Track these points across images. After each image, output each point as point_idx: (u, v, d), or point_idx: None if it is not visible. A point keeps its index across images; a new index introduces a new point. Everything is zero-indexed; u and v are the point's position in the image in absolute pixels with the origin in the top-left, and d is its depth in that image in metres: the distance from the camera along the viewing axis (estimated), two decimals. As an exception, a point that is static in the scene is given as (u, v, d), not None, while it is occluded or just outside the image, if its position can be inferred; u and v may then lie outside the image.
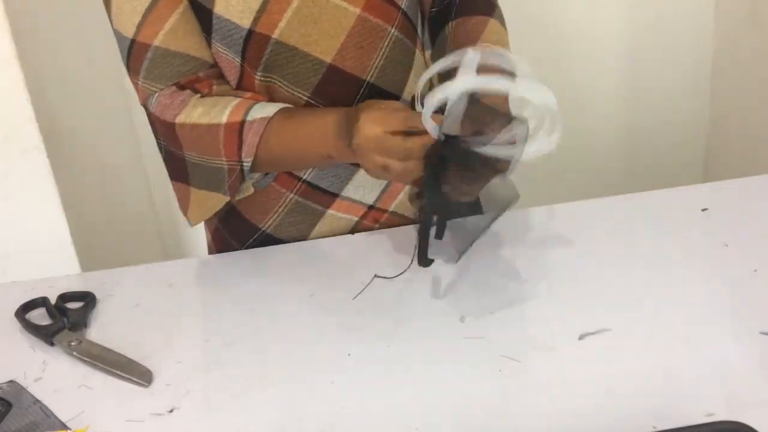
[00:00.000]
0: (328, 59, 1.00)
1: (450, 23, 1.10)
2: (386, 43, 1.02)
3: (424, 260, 0.91)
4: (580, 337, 0.84)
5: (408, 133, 0.86)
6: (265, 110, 0.98)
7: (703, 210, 1.06)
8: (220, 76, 1.04)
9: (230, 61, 1.01)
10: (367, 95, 1.03)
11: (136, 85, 1.02)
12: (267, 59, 0.99)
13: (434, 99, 0.83)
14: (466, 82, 0.83)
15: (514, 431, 0.74)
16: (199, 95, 1.00)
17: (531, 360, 0.82)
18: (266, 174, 1.06)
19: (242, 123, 0.98)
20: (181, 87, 1.00)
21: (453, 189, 0.87)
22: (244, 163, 0.99)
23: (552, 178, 2.07)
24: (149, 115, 1.02)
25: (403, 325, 0.90)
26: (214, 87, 1.01)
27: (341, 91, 1.02)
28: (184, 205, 1.07)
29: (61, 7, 1.58)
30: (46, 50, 1.52)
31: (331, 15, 0.98)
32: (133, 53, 0.99)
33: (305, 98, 1.02)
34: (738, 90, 1.95)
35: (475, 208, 1.01)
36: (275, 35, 0.97)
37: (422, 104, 0.87)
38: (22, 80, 1.42)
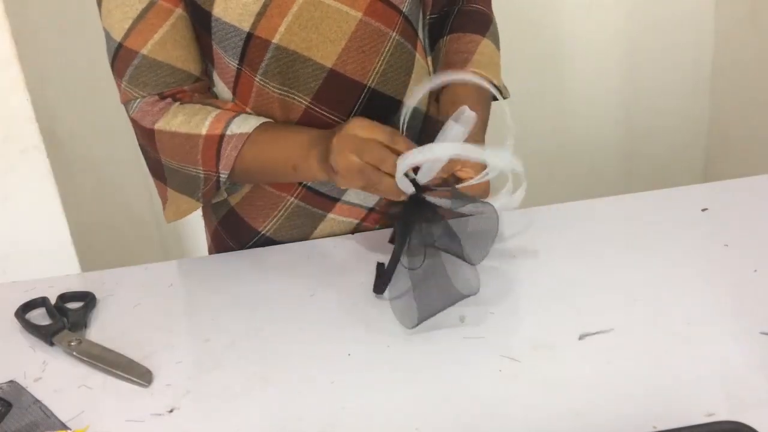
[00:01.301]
0: (328, 64, 1.00)
1: (444, 38, 1.10)
2: (387, 48, 1.02)
3: (380, 288, 0.94)
4: (580, 337, 0.84)
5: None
6: (245, 125, 0.99)
7: (703, 210, 1.06)
8: (206, 90, 1.04)
9: (227, 65, 1.01)
10: (367, 100, 1.03)
11: (119, 85, 1.03)
12: (267, 64, 0.99)
13: (410, 160, 0.87)
14: (445, 149, 0.87)
15: (514, 431, 0.74)
16: (178, 103, 1.01)
17: (531, 360, 0.82)
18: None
19: (222, 137, 0.99)
20: (163, 97, 1.01)
21: (421, 239, 0.90)
22: (221, 175, 1.00)
23: (552, 178, 2.07)
24: (129, 117, 1.04)
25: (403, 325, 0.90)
26: (196, 98, 1.02)
27: (342, 96, 1.02)
28: (162, 202, 1.08)
29: (61, 7, 1.58)
30: (46, 50, 1.52)
31: (332, 19, 0.98)
32: (120, 56, 1.00)
33: (305, 103, 1.01)
34: (738, 90, 1.95)
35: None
36: (275, 40, 0.97)
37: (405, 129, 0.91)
38: (22, 80, 1.42)
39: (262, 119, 1.01)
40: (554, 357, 0.82)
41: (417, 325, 0.88)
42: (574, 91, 2.03)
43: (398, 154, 0.87)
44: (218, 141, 0.99)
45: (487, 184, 0.92)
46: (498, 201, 0.91)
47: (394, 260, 0.92)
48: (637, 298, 0.90)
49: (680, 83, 2.04)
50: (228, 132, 0.99)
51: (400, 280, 0.92)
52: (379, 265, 0.98)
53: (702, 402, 0.74)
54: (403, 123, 0.92)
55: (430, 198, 0.90)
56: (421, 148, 0.86)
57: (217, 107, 1.01)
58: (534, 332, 0.87)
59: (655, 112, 2.07)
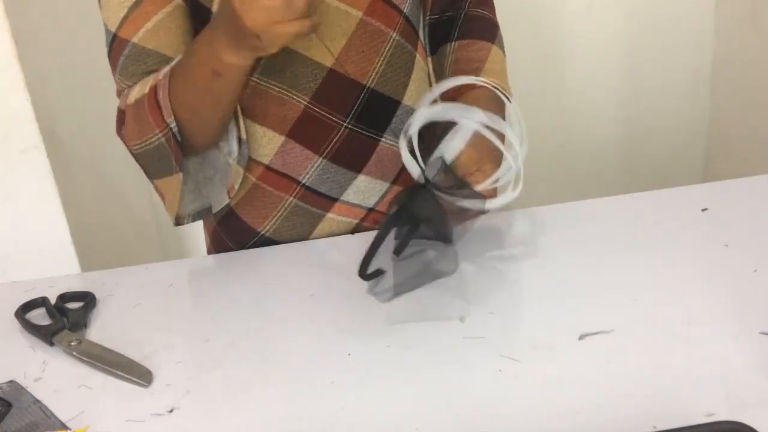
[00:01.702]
0: (328, 63, 1.00)
1: (452, 43, 1.09)
2: (387, 48, 1.02)
3: (364, 273, 0.94)
4: (580, 337, 0.84)
5: None
6: (167, 66, 0.95)
7: (703, 210, 1.06)
8: None
9: None
10: (366, 100, 1.02)
11: (114, 78, 1.01)
12: (265, 62, 0.98)
13: (422, 115, 0.89)
14: (459, 111, 0.90)
15: (514, 431, 0.74)
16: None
17: (531, 360, 0.82)
18: (240, 147, 1.02)
19: (155, 87, 0.95)
20: None
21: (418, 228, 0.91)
22: (171, 126, 0.94)
23: (552, 178, 2.07)
24: (117, 108, 1.01)
25: (403, 325, 0.90)
26: None
27: (341, 95, 1.02)
28: (163, 202, 1.05)
29: (61, 7, 1.58)
30: (46, 50, 1.52)
31: (332, 18, 0.98)
32: (114, 48, 0.98)
33: (304, 103, 1.01)
34: (738, 90, 1.96)
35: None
36: None
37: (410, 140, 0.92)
38: (22, 80, 1.42)
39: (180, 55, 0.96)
40: (554, 357, 0.82)
41: (391, 299, 0.90)
42: (574, 91, 2.03)
43: None
44: (154, 93, 0.95)
45: (495, 189, 0.93)
46: (500, 200, 0.92)
47: (378, 242, 0.92)
48: (637, 298, 0.90)
49: (680, 83, 2.04)
50: (160, 77, 0.95)
51: (379, 256, 0.93)
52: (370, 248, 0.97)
53: (702, 402, 0.74)
54: (413, 130, 0.92)
55: (434, 189, 0.90)
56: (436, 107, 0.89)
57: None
58: (534, 332, 0.87)
59: (655, 112, 2.07)
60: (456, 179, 0.90)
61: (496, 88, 0.99)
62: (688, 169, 2.13)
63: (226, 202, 1.06)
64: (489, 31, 1.09)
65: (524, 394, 0.78)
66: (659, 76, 2.03)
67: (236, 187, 1.04)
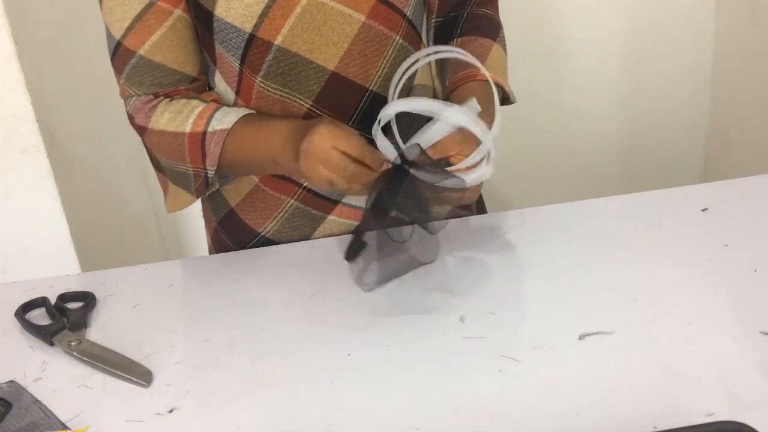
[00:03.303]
0: (331, 67, 1.00)
1: (455, 40, 1.09)
2: (390, 51, 1.02)
3: (351, 255, 0.96)
4: (580, 337, 0.84)
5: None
6: (225, 119, 0.99)
7: (703, 210, 1.06)
8: (202, 90, 1.04)
9: (230, 65, 1.00)
10: (369, 104, 1.02)
11: (118, 81, 1.03)
12: (268, 65, 0.99)
13: (391, 110, 0.91)
14: (428, 104, 0.92)
15: (514, 431, 0.74)
16: (168, 99, 1.02)
17: (531, 360, 0.82)
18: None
19: (204, 134, 0.99)
20: (157, 96, 1.02)
21: (398, 212, 0.92)
22: (209, 171, 1.01)
23: (552, 178, 2.07)
24: (126, 111, 1.05)
25: (403, 325, 0.90)
26: (189, 96, 1.03)
27: (343, 99, 1.02)
28: (164, 193, 1.09)
29: (61, 7, 1.58)
30: (46, 50, 1.52)
31: (335, 22, 0.98)
32: (119, 54, 1.00)
33: (307, 106, 1.01)
34: (738, 90, 1.95)
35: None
36: (277, 41, 0.97)
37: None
38: (22, 80, 1.42)
39: (243, 111, 1.01)
40: (554, 357, 0.82)
41: (373, 288, 0.91)
42: (574, 91, 2.03)
43: (368, 167, 0.89)
44: (201, 138, 0.99)
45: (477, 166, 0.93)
46: (475, 173, 0.92)
47: (364, 227, 0.94)
48: (637, 298, 0.90)
49: (680, 83, 2.04)
50: (210, 129, 0.99)
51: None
52: (355, 234, 0.99)
53: (702, 402, 0.74)
54: (393, 93, 0.95)
55: (414, 171, 0.90)
56: (406, 99, 0.91)
57: (203, 101, 1.02)
58: (534, 332, 0.87)
59: (655, 112, 2.07)
60: (432, 160, 0.91)
61: (486, 80, 1.00)
62: (688, 169, 2.13)
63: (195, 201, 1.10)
64: (492, 29, 1.09)
65: (524, 394, 0.78)
66: (659, 76, 2.03)
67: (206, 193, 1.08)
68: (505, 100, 1.07)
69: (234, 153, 0.99)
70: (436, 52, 1.01)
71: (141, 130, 1.04)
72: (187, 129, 1.00)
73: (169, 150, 1.02)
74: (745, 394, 0.74)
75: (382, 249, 0.92)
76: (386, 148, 0.93)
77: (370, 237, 0.94)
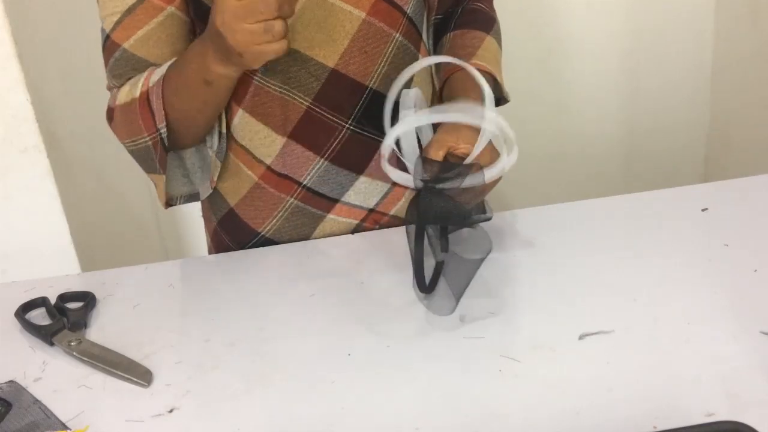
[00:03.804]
0: (330, 64, 1.00)
1: (449, 34, 1.10)
2: (390, 49, 1.02)
3: (424, 287, 0.92)
4: (580, 337, 0.84)
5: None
6: (160, 71, 0.98)
7: (703, 210, 1.06)
8: None
9: None
10: (369, 101, 1.02)
11: (106, 73, 1.04)
12: (268, 63, 0.98)
13: (393, 134, 0.91)
14: (421, 119, 0.93)
15: (514, 431, 0.74)
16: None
17: (531, 360, 0.82)
18: (219, 141, 1.05)
19: (148, 91, 0.98)
20: None
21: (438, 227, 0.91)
22: (161, 131, 0.98)
23: (552, 178, 2.07)
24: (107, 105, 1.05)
25: (403, 325, 0.90)
26: None
27: (343, 96, 1.02)
28: (156, 190, 1.08)
29: (61, 7, 1.58)
30: (46, 50, 1.52)
31: (335, 19, 0.98)
32: (107, 47, 1.01)
33: (306, 103, 1.01)
34: (738, 90, 1.95)
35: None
36: None
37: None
38: (22, 80, 1.42)
39: (172, 60, 0.99)
40: (554, 357, 0.82)
41: (455, 308, 0.89)
42: (574, 90, 2.03)
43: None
44: (146, 97, 0.98)
45: (493, 147, 0.92)
46: (498, 165, 0.91)
47: (419, 258, 0.91)
48: (637, 298, 0.90)
49: (680, 83, 2.04)
50: (150, 84, 0.98)
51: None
52: (416, 263, 0.95)
53: (702, 402, 0.74)
54: (389, 142, 0.93)
55: (441, 186, 0.89)
56: (399, 123, 0.91)
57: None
58: (534, 332, 0.87)
59: (655, 112, 2.07)
60: (445, 166, 0.90)
61: (483, 70, 1.00)
62: (688, 169, 2.13)
63: (209, 192, 1.09)
64: (485, 22, 1.10)
65: (524, 394, 0.78)
66: (659, 76, 2.03)
67: (215, 179, 1.08)
68: (500, 100, 1.08)
69: (172, 99, 0.96)
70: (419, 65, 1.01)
71: (110, 115, 1.03)
72: (137, 93, 0.99)
73: (128, 124, 1.00)
74: (745, 394, 0.74)
75: (445, 269, 0.90)
76: (401, 179, 0.93)
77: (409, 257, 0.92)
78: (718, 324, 0.84)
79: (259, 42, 0.86)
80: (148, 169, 1.05)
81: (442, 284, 0.90)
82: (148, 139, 1.00)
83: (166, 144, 1.00)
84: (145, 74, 1.00)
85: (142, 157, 1.03)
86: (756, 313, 0.85)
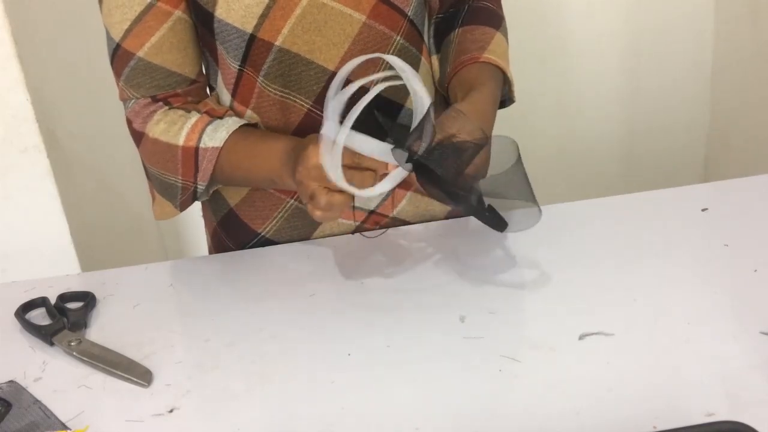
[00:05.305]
0: (331, 67, 1.00)
1: (457, 30, 1.09)
2: (391, 51, 1.02)
3: (501, 225, 0.95)
4: (580, 337, 0.84)
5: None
6: (217, 135, 0.99)
7: (703, 210, 1.06)
8: (201, 92, 1.04)
9: (228, 67, 1.00)
10: (370, 104, 1.02)
11: (117, 83, 1.03)
12: (269, 66, 0.98)
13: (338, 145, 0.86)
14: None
15: (513, 431, 0.74)
16: (166, 108, 1.02)
17: (531, 360, 0.82)
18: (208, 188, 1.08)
19: (197, 149, 1.00)
20: (156, 100, 1.02)
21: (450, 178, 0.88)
22: (199, 186, 1.02)
23: (552, 178, 2.07)
24: (125, 115, 1.05)
25: (403, 325, 0.90)
26: (188, 101, 1.03)
27: None
28: (152, 200, 1.09)
29: (61, 7, 1.58)
30: (46, 50, 1.52)
31: (336, 22, 0.98)
32: (118, 57, 1.00)
33: (307, 106, 1.01)
34: (738, 90, 1.95)
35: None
36: (278, 42, 0.97)
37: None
38: (22, 80, 1.42)
39: (233, 125, 1.00)
40: (554, 357, 0.82)
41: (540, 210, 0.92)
42: (574, 91, 2.03)
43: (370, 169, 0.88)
44: (194, 153, 1.00)
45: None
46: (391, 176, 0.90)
47: (482, 209, 0.93)
48: (637, 298, 0.90)
49: (680, 83, 2.04)
50: (202, 144, 1.00)
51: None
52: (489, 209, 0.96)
53: (702, 402, 0.74)
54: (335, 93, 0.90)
55: (426, 161, 0.87)
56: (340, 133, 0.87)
57: (198, 111, 1.01)
58: (534, 332, 0.87)
59: (655, 112, 2.07)
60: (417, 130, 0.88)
61: (497, 66, 1.00)
62: (688, 169, 2.13)
63: (206, 197, 1.09)
64: (494, 19, 1.09)
65: (524, 394, 0.78)
66: (659, 76, 2.03)
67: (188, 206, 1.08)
68: (505, 101, 1.07)
69: (229, 170, 1.01)
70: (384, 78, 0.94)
71: (137, 136, 1.03)
72: (180, 142, 1.00)
73: (162, 160, 1.02)
74: (745, 394, 0.74)
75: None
76: (395, 158, 0.89)
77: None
78: (718, 324, 0.84)
79: (304, 201, 0.91)
80: (163, 194, 1.06)
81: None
82: (180, 182, 1.02)
83: (198, 196, 1.04)
84: (191, 122, 1.00)
85: (162, 185, 1.05)
86: (756, 313, 0.85)
